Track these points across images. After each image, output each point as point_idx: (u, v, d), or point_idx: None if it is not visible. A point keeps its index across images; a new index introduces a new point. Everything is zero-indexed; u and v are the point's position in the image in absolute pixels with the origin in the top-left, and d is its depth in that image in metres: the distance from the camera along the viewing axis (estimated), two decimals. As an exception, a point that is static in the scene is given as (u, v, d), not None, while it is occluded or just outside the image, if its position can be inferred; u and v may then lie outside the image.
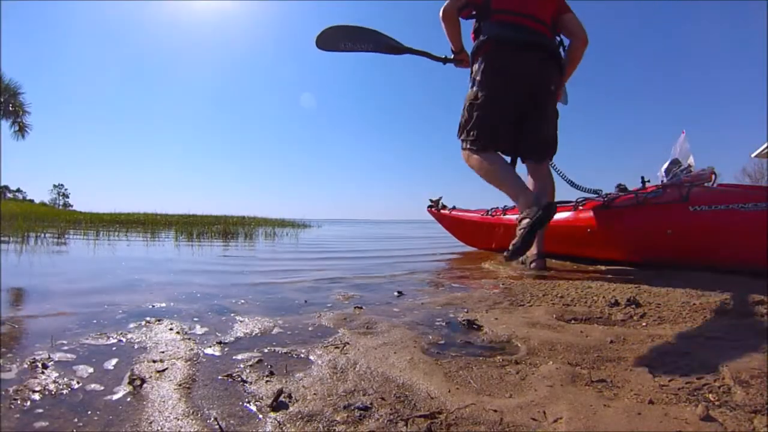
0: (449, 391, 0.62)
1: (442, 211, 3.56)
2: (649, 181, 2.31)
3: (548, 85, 1.94)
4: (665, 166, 2.21)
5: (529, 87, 1.89)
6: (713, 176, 1.98)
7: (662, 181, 2.22)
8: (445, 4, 2.06)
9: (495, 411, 0.56)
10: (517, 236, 1.67)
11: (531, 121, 1.95)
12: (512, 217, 2.77)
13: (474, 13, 2.06)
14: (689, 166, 2.08)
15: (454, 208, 3.50)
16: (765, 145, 13.03)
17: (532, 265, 2.05)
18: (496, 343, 0.89)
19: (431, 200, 3.79)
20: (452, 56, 2.23)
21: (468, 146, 1.96)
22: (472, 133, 1.94)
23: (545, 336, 0.90)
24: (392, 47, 2.39)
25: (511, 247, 1.69)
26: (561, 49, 2.05)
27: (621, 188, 2.32)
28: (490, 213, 3.03)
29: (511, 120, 1.93)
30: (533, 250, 2.05)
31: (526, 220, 1.67)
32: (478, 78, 1.96)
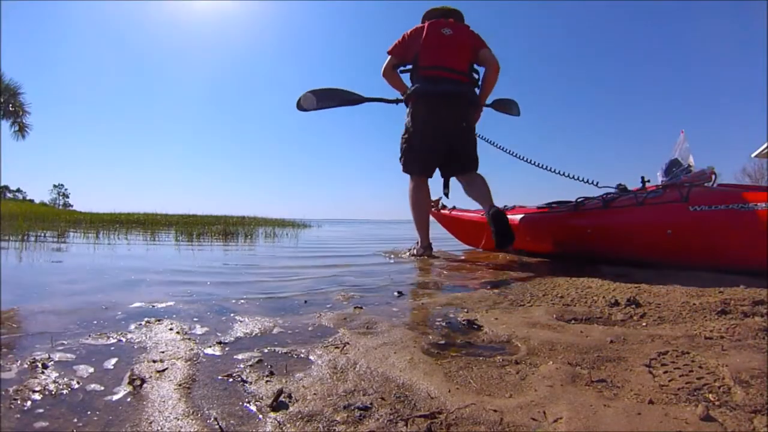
0: (449, 391, 0.62)
1: (441, 211, 3.55)
2: (649, 181, 2.31)
3: (461, 123, 2.58)
4: (665, 166, 2.20)
5: (446, 126, 2.55)
6: (713, 176, 1.97)
7: (662, 181, 2.22)
8: (384, 66, 2.68)
9: (495, 411, 0.56)
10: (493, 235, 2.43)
11: (455, 150, 2.61)
12: (512, 217, 2.78)
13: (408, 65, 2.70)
14: (689, 166, 2.07)
15: (453, 208, 3.49)
16: (765, 145, 13.03)
17: (422, 252, 2.67)
18: (496, 343, 0.89)
19: (431, 201, 3.77)
20: (402, 97, 2.75)
21: (403, 169, 2.72)
22: (403, 160, 2.68)
23: (545, 336, 0.90)
24: (354, 100, 2.94)
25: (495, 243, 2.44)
26: (477, 88, 2.68)
27: (621, 188, 2.35)
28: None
29: (436, 150, 2.60)
30: (424, 242, 2.73)
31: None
32: (407, 119, 2.65)
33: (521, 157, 2.90)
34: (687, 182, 2.00)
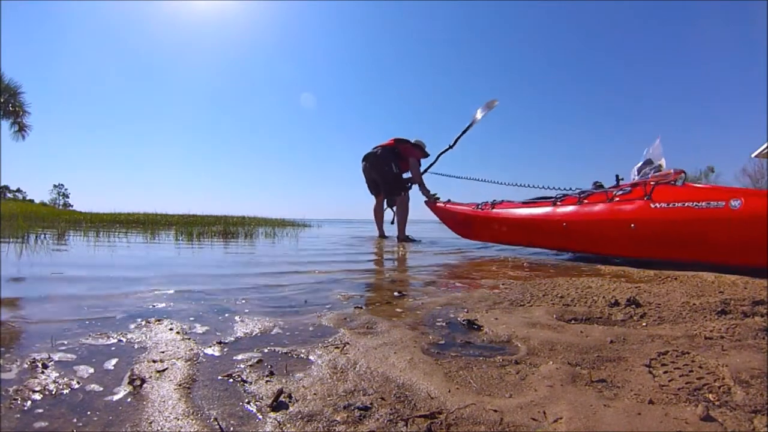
0: (449, 391, 0.62)
1: (437, 204, 3.97)
2: (623, 179, 2.50)
3: (372, 170, 4.51)
4: (638, 165, 2.41)
5: (366, 173, 4.63)
6: (678, 175, 2.12)
7: (633, 179, 2.39)
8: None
9: (495, 411, 0.56)
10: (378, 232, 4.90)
11: (377, 184, 4.57)
12: (500, 210, 3.11)
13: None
14: (659, 166, 2.26)
15: (448, 201, 3.89)
16: (765, 145, 13.02)
17: (378, 235, 4.59)
18: (496, 343, 0.89)
19: (426, 195, 4.38)
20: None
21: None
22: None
23: (545, 336, 0.90)
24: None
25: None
26: (391, 150, 4.47)
27: (597, 185, 2.59)
28: (480, 207, 3.34)
29: (373, 185, 4.67)
30: (379, 232, 4.80)
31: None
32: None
33: (457, 177, 4.23)
34: (653, 181, 2.16)
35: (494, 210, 3.13)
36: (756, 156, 14.21)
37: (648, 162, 2.37)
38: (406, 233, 4.43)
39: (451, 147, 4.54)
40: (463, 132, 4.42)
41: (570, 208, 2.49)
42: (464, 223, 3.62)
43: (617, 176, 2.51)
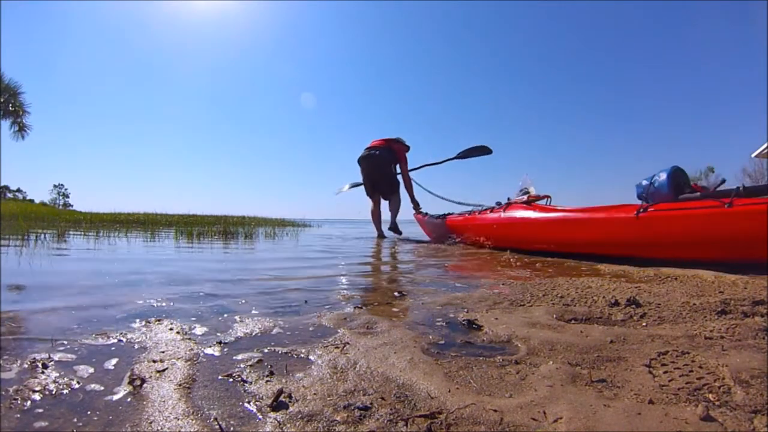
0: (449, 391, 0.62)
1: (418, 214, 5.24)
2: (509, 198, 3.59)
3: (375, 171, 4.88)
4: (517, 190, 3.57)
5: (369, 173, 4.92)
6: (540, 199, 3.25)
7: (515, 198, 3.52)
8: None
9: (495, 411, 0.56)
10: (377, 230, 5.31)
11: (378, 184, 4.97)
12: (447, 220, 4.36)
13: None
14: (528, 191, 3.41)
15: (426, 213, 5.11)
16: (765, 145, 13.01)
17: (378, 235, 5.10)
18: (496, 343, 0.89)
19: (415, 206, 5.38)
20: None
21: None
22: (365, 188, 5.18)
23: (545, 336, 0.90)
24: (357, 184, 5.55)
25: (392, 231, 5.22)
26: (388, 150, 4.91)
27: (497, 203, 3.69)
28: (437, 217, 4.71)
29: (371, 184, 4.99)
30: (378, 232, 5.17)
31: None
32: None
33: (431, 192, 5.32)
34: (514, 201, 3.40)
35: (438, 219, 4.63)
36: (756, 156, 14.19)
37: (522, 188, 3.54)
38: (399, 228, 5.15)
39: (436, 163, 5.42)
40: (451, 158, 5.36)
41: (473, 216, 3.93)
42: (427, 228, 5.09)
43: (509, 198, 3.62)
